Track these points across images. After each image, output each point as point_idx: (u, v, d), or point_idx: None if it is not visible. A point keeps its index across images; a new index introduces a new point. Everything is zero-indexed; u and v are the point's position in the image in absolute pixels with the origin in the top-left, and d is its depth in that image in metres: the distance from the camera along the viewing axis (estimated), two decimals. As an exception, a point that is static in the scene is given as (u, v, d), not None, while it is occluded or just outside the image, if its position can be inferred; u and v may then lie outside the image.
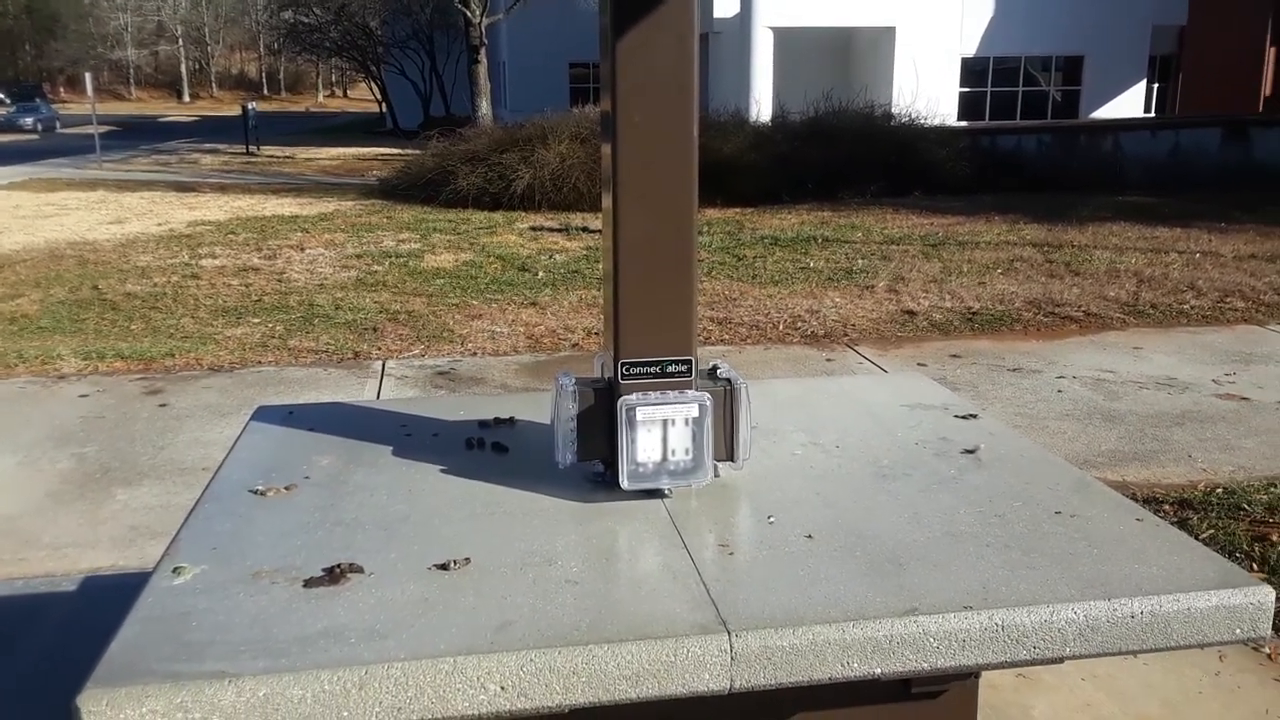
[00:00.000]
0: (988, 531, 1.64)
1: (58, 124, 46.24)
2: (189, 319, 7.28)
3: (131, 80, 79.12)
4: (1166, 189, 14.42)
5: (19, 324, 7.14)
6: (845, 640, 1.37)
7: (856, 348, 6.42)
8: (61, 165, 23.20)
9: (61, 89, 74.80)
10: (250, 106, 28.34)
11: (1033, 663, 1.42)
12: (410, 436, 2.09)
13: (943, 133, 16.92)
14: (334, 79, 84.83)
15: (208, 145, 30.53)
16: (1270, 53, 21.62)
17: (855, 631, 1.37)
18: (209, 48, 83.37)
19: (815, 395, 2.41)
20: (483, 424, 2.16)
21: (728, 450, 1.83)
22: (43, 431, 4.92)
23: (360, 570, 1.51)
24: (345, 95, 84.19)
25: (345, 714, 1.26)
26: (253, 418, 2.23)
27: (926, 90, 22.64)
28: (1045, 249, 9.69)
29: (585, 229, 11.79)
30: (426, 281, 8.65)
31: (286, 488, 1.82)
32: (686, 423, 1.75)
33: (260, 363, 6.13)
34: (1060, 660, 1.44)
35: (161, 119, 54.40)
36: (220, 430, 4.90)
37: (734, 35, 24.64)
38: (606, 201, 1.78)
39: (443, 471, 1.90)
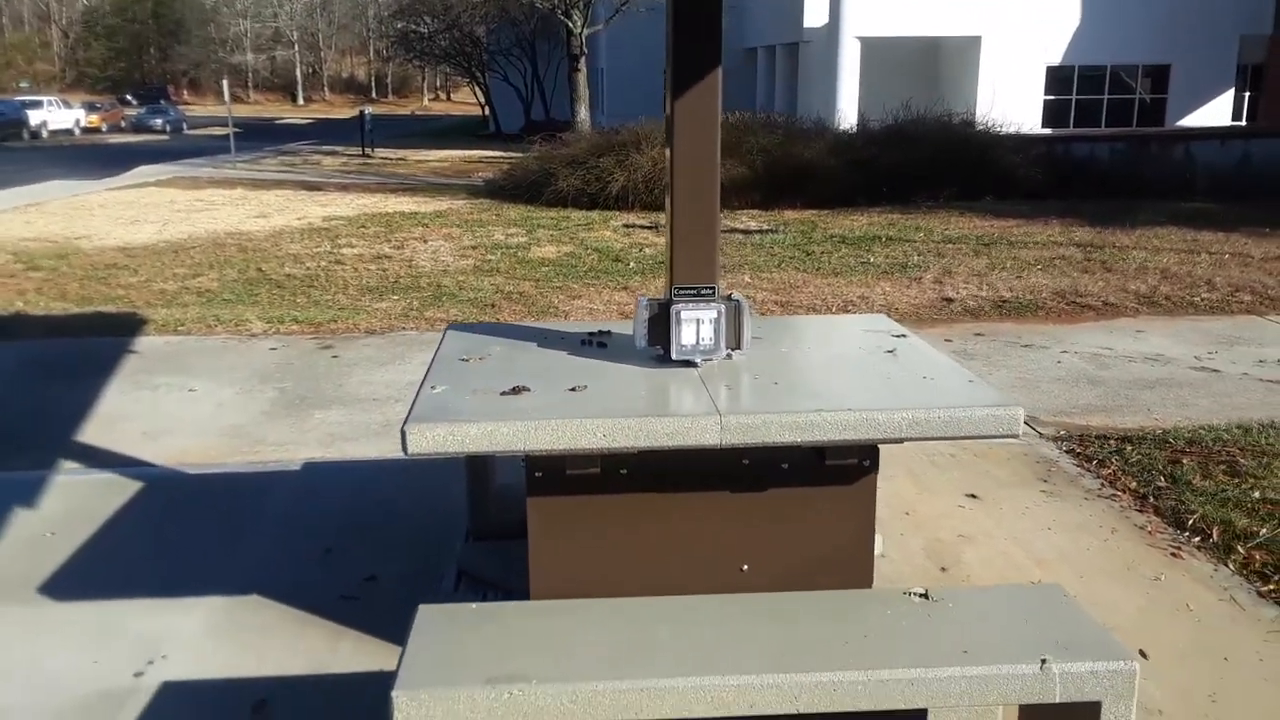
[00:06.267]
0: (875, 384, 2.88)
1: (184, 125, 49.37)
2: (341, 295, 8.79)
3: (250, 83, 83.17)
4: (1235, 197, 14.95)
5: (206, 296, 8.73)
6: (781, 422, 2.62)
7: (896, 326, 7.58)
8: (198, 165, 25.39)
9: (184, 91, 79.02)
10: (366, 112, 30.36)
11: (884, 440, 2.66)
12: (547, 338, 3.41)
13: (1018, 140, 17.77)
14: (438, 82, 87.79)
15: (326, 147, 32.71)
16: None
17: (786, 418, 2.63)
18: (322, 53, 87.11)
19: (808, 325, 3.66)
20: (591, 334, 3.46)
21: (737, 342, 3.10)
22: (249, 373, 6.40)
23: (528, 390, 2.82)
24: (449, 98, 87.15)
25: (528, 445, 2.56)
26: (447, 329, 3.56)
27: (1011, 98, 23.39)
28: (1088, 249, 10.67)
29: (673, 226, 13.07)
30: (534, 269, 10.04)
31: (480, 358, 3.15)
32: (710, 322, 3.02)
33: (404, 328, 7.57)
34: (900, 441, 2.67)
35: (279, 121, 57.41)
36: (382, 374, 6.32)
37: (823, 44, 25.68)
38: (668, 197, 3.05)
39: (568, 354, 3.21)
